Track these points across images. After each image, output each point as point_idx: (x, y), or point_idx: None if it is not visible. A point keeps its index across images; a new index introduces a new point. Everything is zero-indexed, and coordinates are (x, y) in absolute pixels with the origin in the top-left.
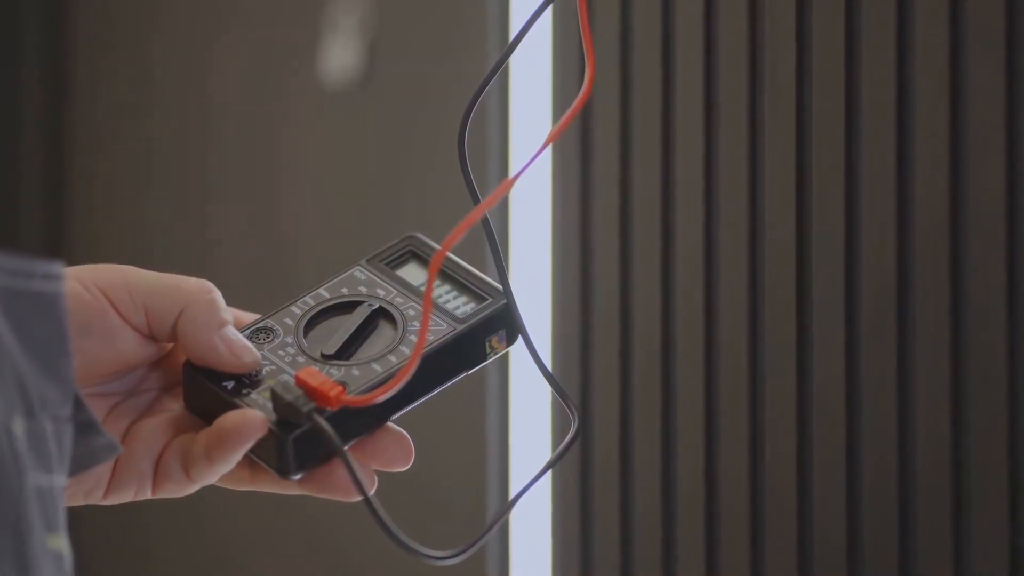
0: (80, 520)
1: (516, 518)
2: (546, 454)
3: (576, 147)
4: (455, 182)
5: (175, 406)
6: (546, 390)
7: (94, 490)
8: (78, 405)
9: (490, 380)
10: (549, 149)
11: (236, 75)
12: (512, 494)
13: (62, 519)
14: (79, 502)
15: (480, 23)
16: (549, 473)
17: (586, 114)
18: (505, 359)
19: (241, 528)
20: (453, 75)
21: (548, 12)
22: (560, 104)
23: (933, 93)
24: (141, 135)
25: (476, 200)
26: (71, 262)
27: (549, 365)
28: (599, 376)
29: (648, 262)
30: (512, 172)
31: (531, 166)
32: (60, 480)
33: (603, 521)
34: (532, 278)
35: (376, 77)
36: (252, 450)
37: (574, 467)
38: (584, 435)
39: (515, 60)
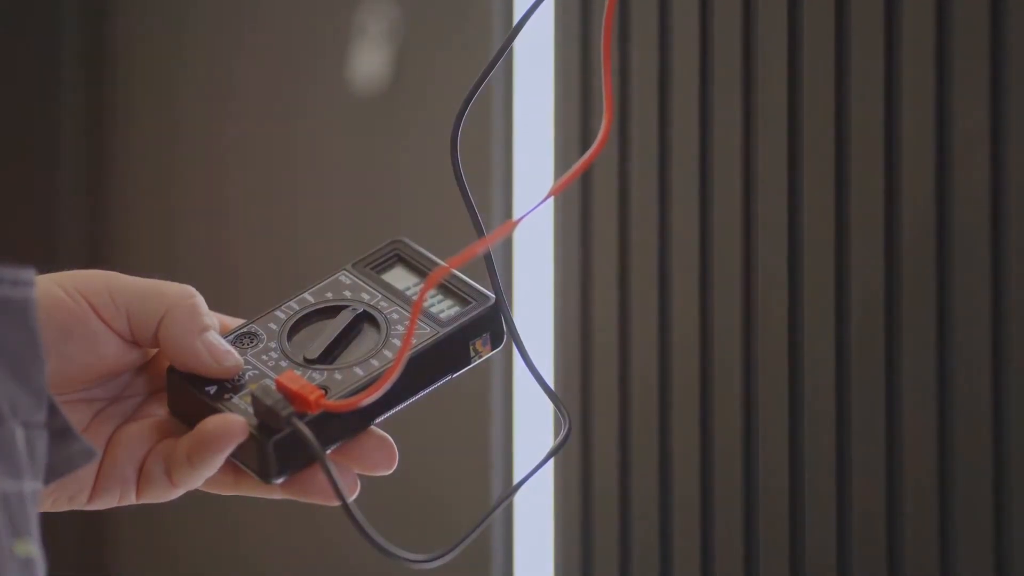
0: (102, 521)
1: (520, 520)
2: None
3: (576, 148)
4: (475, 187)
5: (160, 411)
6: None
7: (78, 495)
8: (53, 411)
9: (494, 384)
10: (551, 153)
11: (262, 79)
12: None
13: (34, 525)
14: (63, 507)
15: (487, 28)
16: (552, 476)
17: (585, 124)
18: (509, 364)
19: (258, 531)
20: (470, 81)
21: (550, 9)
22: (563, 107)
23: (920, 103)
24: (171, 137)
25: (465, 195)
26: (100, 265)
27: (551, 369)
28: (599, 381)
29: (646, 271)
30: (515, 174)
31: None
32: (31, 486)
33: (603, 524)
34: (533, 285)
35: (401, 82)
36: (234, 454)
37: (575, 471)
38: (585, 440)
39: (518, 55)
